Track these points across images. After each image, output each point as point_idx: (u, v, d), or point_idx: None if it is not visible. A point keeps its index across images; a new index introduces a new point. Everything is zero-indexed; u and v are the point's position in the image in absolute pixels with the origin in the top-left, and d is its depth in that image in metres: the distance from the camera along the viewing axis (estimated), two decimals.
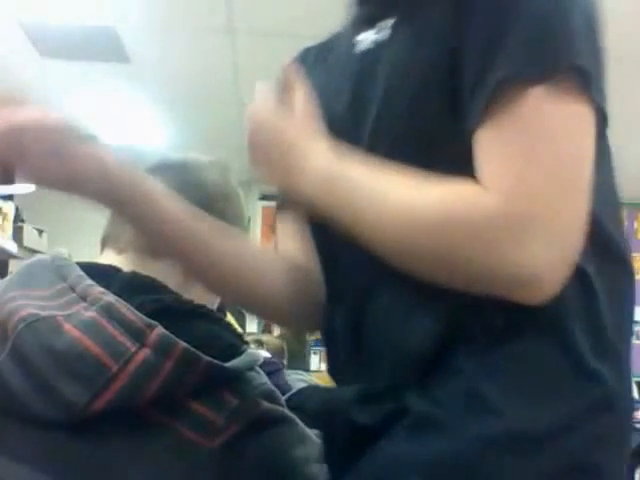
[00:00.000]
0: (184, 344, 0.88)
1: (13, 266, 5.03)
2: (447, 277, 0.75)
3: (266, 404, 0.95)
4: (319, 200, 0.80)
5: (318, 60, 0.99)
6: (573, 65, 0.72)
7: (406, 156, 0.77)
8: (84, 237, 5.34)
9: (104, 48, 3.94)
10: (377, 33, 0.86)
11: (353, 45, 0.89)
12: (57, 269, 0.97)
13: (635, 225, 6.23)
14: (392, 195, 0.75)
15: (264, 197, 5.81)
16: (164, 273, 1.02)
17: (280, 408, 0.97)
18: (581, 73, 0.72)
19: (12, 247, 4.43)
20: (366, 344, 0.84)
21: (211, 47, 3.90)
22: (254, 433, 0.92)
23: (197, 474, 0.89)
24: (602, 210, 0.78)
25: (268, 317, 1.04)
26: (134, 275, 0.99)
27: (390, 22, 0.85)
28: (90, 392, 0.85)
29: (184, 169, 1.10)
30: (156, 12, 3.52)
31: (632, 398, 0.85)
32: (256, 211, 6.05)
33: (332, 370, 0.93)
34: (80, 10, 3.54)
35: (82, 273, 0.96)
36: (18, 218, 4.86)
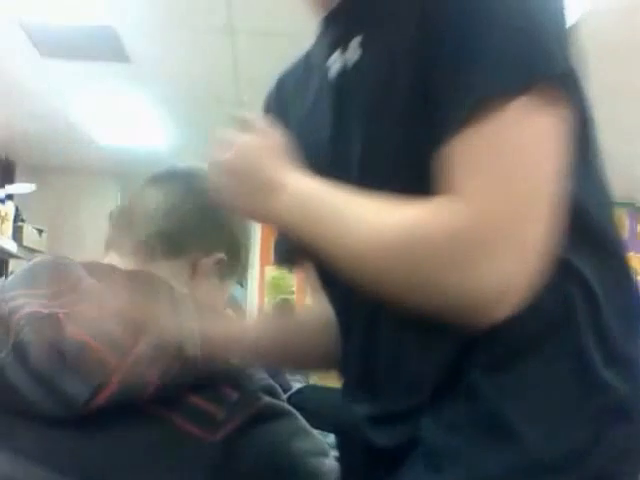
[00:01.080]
0: None
1: (13, 265, 5.04)
2: (416, 301, 0.72)
3: (267, 398, 0.96)
4: (295, 226, 0.81)
5: (298, 89, 0.97)
6: (548, 75, 0.69)
7: (400, 187, 0.75)
8: (83, 237, 5.36)
9: (104, 48, 3.94)
10: (346, 54, 0.84)
11: (326, 70, 0.87)
12: (59, 269, 0.98)
13: (636, 226, 6.22)
14: (356, 218, 0.75)
15: None
16: (166, 272, 1.04)
17: (281, 402, 0.98)
18: (557, 82, 0.70)
19: (12, 247, 4.44)
20: (379, 370, 0.83)
21: (211, 47, 3.89)
22: (255, 426, 0.93)
23: (198, 468, 0.89)
24: (596, 210, 0.77)
25: (325, 369, 1.10)
26: (132, 272, 1.01)
27: (358, 39, 0.82)
28: (91, 388, 0.86)
29: (190, 177, 1.12)
30: (156, 12, 3.52)
31: None
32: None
33: (345, 393, 0.92)
34: (80, 10, 3.54)
35: (83, 273, 0.97)
36: (18, 218, 4.87)
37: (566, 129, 0.71)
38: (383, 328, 0.81)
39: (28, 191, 4.41)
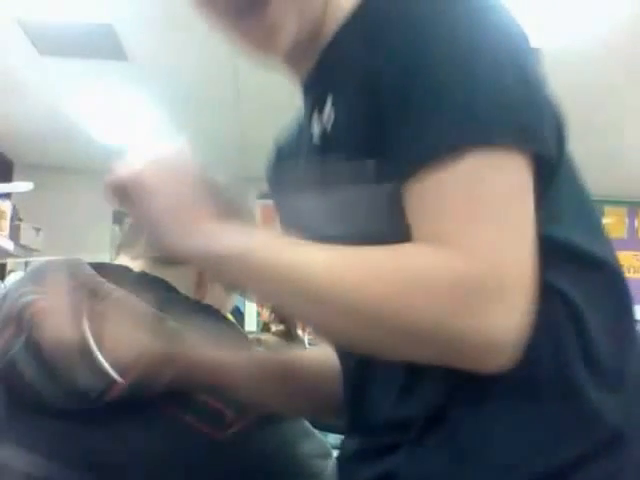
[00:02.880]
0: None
1: (10, 265, 5.03)
2: (408, 350, 0.69)
3: None
4: (226, 271, 0.74)
5: (292, 155, 0.94)
6: (508, 127, 0.68)
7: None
8: (81, 236, 5.34)
9: (102, 46, 3.93)
10: (324, 116, 0.82)
11: (311, 135, 0.86)
12: (68, 268, 0.99)
13: (636, 223, 6.22)
14: (328, 266, 0.69)
15: (263, 196, 5.80)
16: (175, 278, 1.05)
17: None
18: (517, 131, 0.68)
19: (9, 245, 4.43)
20: (366, 406, 0.82)
21: (210, 46, 3.88)
22: (263, 427, 0.95)
23: (205, 465, 0.91)
24: (574, 230, 0.75)
25: (330, 415, 0.99)
26: (144, 274, 1.02)
27: (330, 100, 0.81)
28: (104, 382, 0.87)
29: None
30: (154, 10, 3.51)
31: None
32: (254, 210, 6.04)
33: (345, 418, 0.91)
34: (78, 8, 3.53)
35: (93, 272, 0.99)
36: (15, 217, 4.86)
37: (528, 177, 0.69)
38: (371, 369, 0.80)
39: (26, 190, 4.40)
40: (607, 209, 5.99)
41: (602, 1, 3.29)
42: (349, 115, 0.78)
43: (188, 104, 4.70)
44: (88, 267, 1.01)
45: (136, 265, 1.06)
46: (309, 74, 0.87)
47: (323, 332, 0.77)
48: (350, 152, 0.77)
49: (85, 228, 5.64)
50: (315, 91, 0.86)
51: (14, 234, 4.78)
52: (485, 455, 0.70)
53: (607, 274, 0.77)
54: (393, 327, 0.67)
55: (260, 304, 0.79)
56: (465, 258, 0.65)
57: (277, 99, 2.57)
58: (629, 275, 5.76)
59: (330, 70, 0.82)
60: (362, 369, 0.82)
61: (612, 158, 5.11)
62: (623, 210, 6.13)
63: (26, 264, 5.26)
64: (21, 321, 0.92)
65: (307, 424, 1.03)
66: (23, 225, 5.03)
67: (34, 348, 0.90)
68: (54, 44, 3.94)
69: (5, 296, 0.99)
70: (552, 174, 0.73)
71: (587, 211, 0.80)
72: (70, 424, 0.90)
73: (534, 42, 0.74)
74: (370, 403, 0.81)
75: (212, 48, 4.02)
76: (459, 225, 0.66)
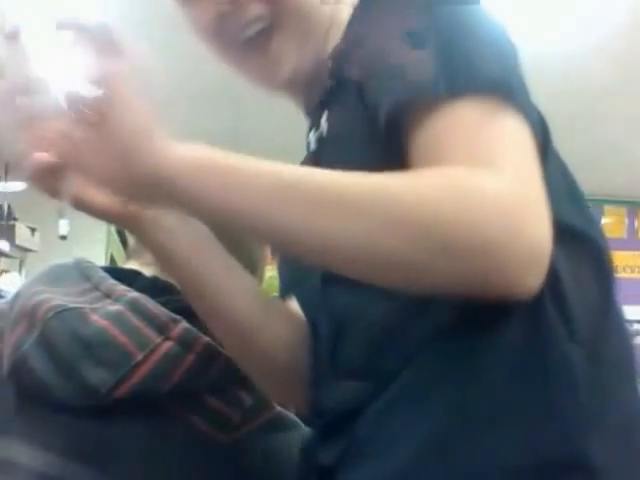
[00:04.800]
0: (206, 338, 0.91)
1: (5, 264, 5.01)
2: (445, 268, 0.65)
3: (279, 408, 0.98)
4: (194, 194, 0.68)
5: None
6: (490, 79, 0.70)
7: None
8: (76, 236, 5.32)
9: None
10: (319, 130, 0.84)
11: (308, 145, 0.88)
12: (81, 270, 1.00)
13: (635, 223, 6.23)
14: (344, 183, 0.67)
15: None
16: None
17: (291, 414, 0.99)
18: (498, 86, 0.70)
19: (4, 245, 4.42)
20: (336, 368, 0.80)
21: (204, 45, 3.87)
22: (268, 433, 0.95)
23: (210, 467, 0.91)
24: (561, 205, 0.74)
25: (260, 374, 0.94)
26: (156, 278, 1.02)
27: (325, 116, 0.83)
28: (114, 378, 0.87)
29: None
30: (145, 10, 3.50)
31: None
32: None
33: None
34: (70, 7, 3.51)
35: (105, 274, 0.99)
36: (10, 216, 4.85)
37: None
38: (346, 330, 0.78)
39: (20, 189, 4.38)
40: (607, 209, 5.98)
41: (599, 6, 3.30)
42: (345, 113, 0.79)
43: (182, 104, 4.68)
44: (100, 269, 1.01)
45: (147, 270, 1.05)
46: (314, 107, 0.89)
47: (326, 253, 0.68)
48: (347, 142, 0.78)
49: (80, 228, 5.62)
50: (315, 116, 0.87)
51: (9, 234, 4.78)
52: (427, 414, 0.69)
53: (592, 250, 0.77)
54: (439, 238, 0.64)
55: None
56: (504, 175, 0.66)
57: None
58: (629, 275, 5.79)
59: (329, 96, 0.84)
60: (335, 336, 0.80)
61: (611, 158, 5.12)
62: (623, 210, 6.12)
63: (20, 264, 5.25)
64: (34, 318, 0.92)
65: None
66: (18, 225, 5.02)
67: (46, 343, 0.90)
68: None
69: (17, 295, 0.98)
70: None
71: (572, 189, 0.80)
72: (79, 420, 0.89)
73: (534, 45, 0.76)
74: (341, 364, 0.79)
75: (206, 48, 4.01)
76: (495, 149, 0.67)
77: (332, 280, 0.77)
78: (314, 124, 0.87)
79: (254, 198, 0.67)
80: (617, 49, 3.67)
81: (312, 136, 0.87)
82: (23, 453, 0.90)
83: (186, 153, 0.69)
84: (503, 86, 0.70)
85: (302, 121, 0.95)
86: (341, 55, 0.83)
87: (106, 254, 5.58)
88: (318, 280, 0.81)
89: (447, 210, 0.63)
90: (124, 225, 0.83)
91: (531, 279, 0.65)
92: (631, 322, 6.21)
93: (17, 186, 4.49)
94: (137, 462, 0.89)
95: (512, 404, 0.68)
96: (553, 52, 3.68)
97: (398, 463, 0.69)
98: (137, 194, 0.71)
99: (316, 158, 0.85)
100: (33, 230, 5.21)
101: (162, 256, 0.84)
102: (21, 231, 5.06)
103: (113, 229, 5.33)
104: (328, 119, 0.83)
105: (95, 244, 5.28)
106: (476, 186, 0.64)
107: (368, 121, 0.73)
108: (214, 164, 0.68)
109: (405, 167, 0.69)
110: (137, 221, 0.80)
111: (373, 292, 0.70)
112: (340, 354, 0.79)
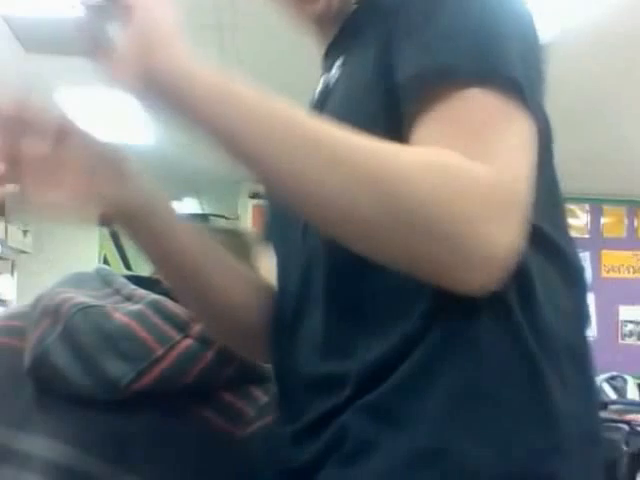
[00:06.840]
0: None
1: None
2: (411, 239, 0.67)
3: None
4: (208, 107, 0.69)
5: None
6: (509, 76, 0.71)
7: None
8: (69, 238, 5.29)
9: None
10: (329, 75, 0.87)
11: (315, 89, 0.92)
12: (102, 277, 1.04)
13: (635, 223, 6.21)
14: (347, 140, 0.68)
15: (254, 195, 5.78)
16: None
17: None
18: (515, 85, 0.71)
19: None
20: (300, 369, 0.80)
21: (205, 44, 3.83)
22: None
23: (226, 461, 0.94)
24: (542, 216, 0.76)
25: (220, 331, 0.95)
26: None
27: (339, 62, 0.86)
28: (134, 371, 0.90)
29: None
30: None
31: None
32: (246, 210, 6.04)
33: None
34: (64, 4, 3.47)
35: (125, 280, 1.03)
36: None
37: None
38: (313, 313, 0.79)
39: (13, 191, 4.34)
40: (606, 208, 6.00)
41: None
42: (356, 66, 0.81)
43: None
44: (121, 276, 1.04)
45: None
46: (329, 45, 0.92)
47: (299, 191, 0.69)
48: (347, 96, 0.80)
49: (73, 230, 5.60)
50: (331, 56, 0.90)
51: (2, 236, 4.78)
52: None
53: (564, 257, 0.79)
54: (408, 207, 0.65)
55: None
56: (493, 169, 0.67)
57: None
58: (629, 275, 5.71)
59: (348, 36, 0.86)
60: (296, 322, 0.81)
61: (611, 157, 5.11)
62: (622, 210, 6.11)
63: (13, 265, 5.22)
64: (58, 314, 0.94)
65: None
66: (10, 227, 5.02)
67: (69, 337, 0.92)
68: (41, 41, 3.90)
69: (40, 297, 1.01)
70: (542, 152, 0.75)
71: (556, 200, 0.82)
72: (98, 414, 0.92)
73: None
74: (302, 358, 0.80)
75: (207, 47, 3.97)
76: (495, 147, 0.69)
77: (312, 234, 0.79)
78: (327, 67, 0.90)
79: (256, 126, 0.68)
80: (617, 49, 3.65)
81: (321, 82, 0.90)
82: (41, 446, 0.91)
83: (207, 68, 0.70)
84: (522, 87, 0.71)
85: None
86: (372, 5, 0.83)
87: (99, 256, 5.55)
88: (300, 232, 0.82)
89: (426, 184, 0.65)
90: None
91: (478, 276, 0.67)
92: (631, 322, 6.20)
93: (9, 187, 4.46)
94: (154, 455, 0.92)
95: (480, 407, 0.69)
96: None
97: (382, 465, 0.70)
98: (146, 95, 0.72)
99: (321, 100, 0.87)
100: (25, 232, 5.20)
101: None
102: (14, 233, 5.05)
103: (106, 231, 5.29)
104: (342, 65, 0.86)
105: (88, 246, 5.26)
106: (463, 173, 0.66)
107: (377, 84, 0.76)
108: (227, 83, 0.70)
109: (401, 141, 0.71)
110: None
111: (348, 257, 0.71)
112: (303, 319, 0.80)
